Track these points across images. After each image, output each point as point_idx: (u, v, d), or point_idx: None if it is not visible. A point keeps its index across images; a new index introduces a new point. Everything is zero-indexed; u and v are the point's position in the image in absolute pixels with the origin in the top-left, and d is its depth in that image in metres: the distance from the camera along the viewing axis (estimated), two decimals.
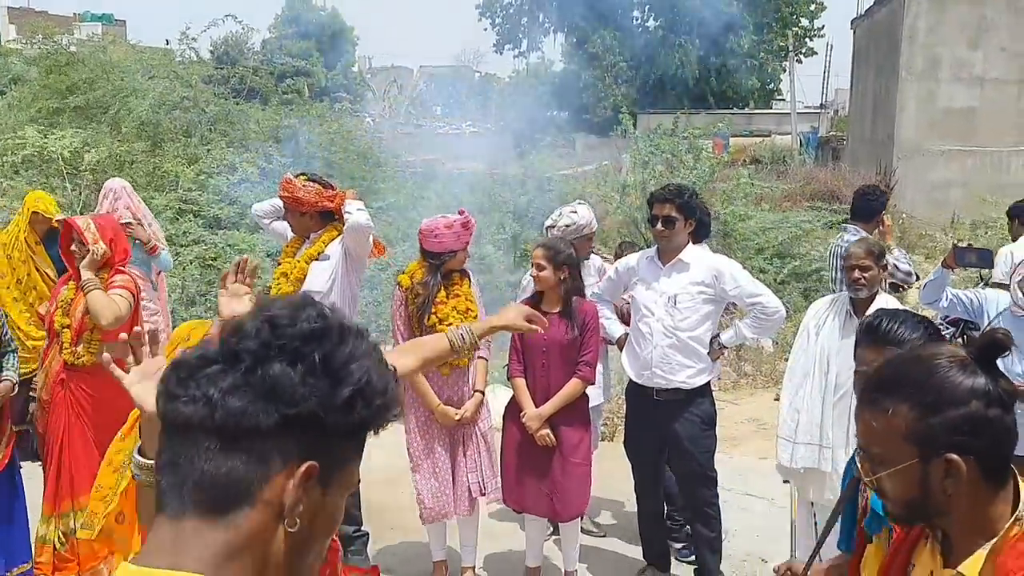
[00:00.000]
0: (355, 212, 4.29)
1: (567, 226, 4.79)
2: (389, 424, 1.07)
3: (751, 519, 5.30)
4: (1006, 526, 1.50)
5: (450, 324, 4.11)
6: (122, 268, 4.27)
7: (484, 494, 4.37)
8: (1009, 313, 4.43)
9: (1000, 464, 1.52)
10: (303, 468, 0.97)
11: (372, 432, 1.06)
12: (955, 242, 4.53)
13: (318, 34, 39.30)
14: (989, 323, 4.48)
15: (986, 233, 12.52)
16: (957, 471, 1.47)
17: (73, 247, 4.17)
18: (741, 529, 5.13)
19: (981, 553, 1.51)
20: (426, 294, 4.23)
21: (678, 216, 4.25)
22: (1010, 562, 1.47)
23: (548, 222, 4.95)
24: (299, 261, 4.36)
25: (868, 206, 5.46)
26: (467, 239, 4.29)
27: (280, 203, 4.56)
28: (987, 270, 5.62)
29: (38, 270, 5.31)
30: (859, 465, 1.64)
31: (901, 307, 3.66)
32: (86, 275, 4.10)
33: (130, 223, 5.14)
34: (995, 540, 1.50)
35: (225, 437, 0.96)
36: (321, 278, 4.30)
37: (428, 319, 4.19)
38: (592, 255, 5.20)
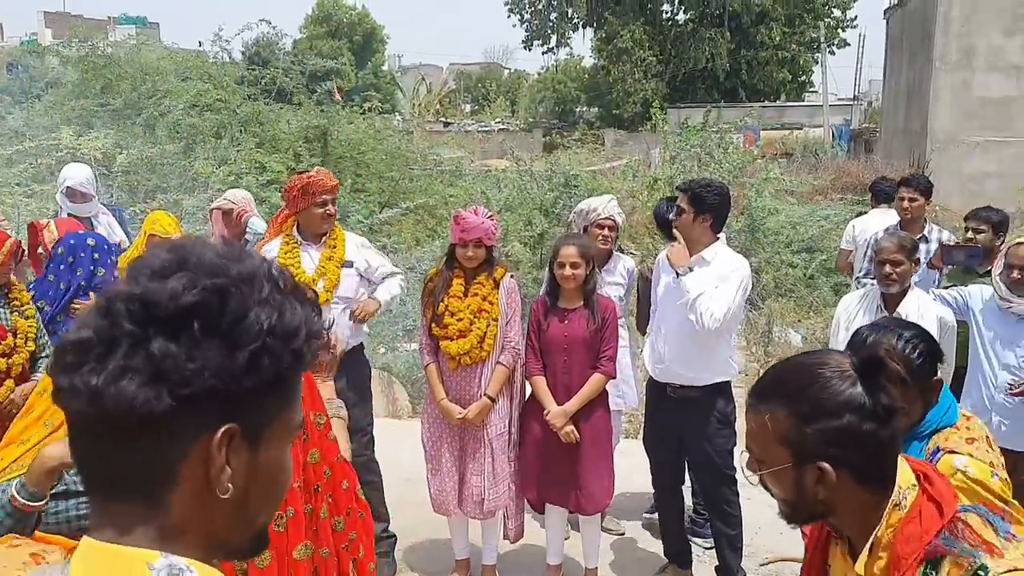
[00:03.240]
0: (390, 295, 4.50)
1: (591, 211, 4.93)
2: (316, 359, 0.95)
3: (774, 516, 5.24)
4: (885, 513, 1.53)
5: (461, 319, 4.16)
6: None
7: (484, 501, 4.24)
8: (995, 305, 4.43)
9: (877, 474, 1.54)
10: (219, 434, 0.89)
11: (300, 373, 0.96)
12: (945, 242, 4.53)
13: (348, 33, 39.56)
14: (974, 318, 4.50)
15: (1021, 225, 12.29)
16: (827, 479, 1.51)
17: (40, 250, 4.22)
18: (764, 526, 5.09)
19: (866, 548, 1.54)
20: (438, 283, 4.28)
21: (687, 207, 4.19)
22: (900, 547, 1.49)
23: (582, 207, 5.08)
24: (332, 265, 4.35)
25: None
26: (479, 234, 4.14)
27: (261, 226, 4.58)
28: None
29: None
30: (745, 462, 1.67)
31: (911, 315, 3.67)
32: None
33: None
34: (876, 531, 1.53)
35: (123, 427, 0.87)
36: (352, 286, 4.38)
37: (439, 307, 4.21)
38: (622, 255, 5.25)
